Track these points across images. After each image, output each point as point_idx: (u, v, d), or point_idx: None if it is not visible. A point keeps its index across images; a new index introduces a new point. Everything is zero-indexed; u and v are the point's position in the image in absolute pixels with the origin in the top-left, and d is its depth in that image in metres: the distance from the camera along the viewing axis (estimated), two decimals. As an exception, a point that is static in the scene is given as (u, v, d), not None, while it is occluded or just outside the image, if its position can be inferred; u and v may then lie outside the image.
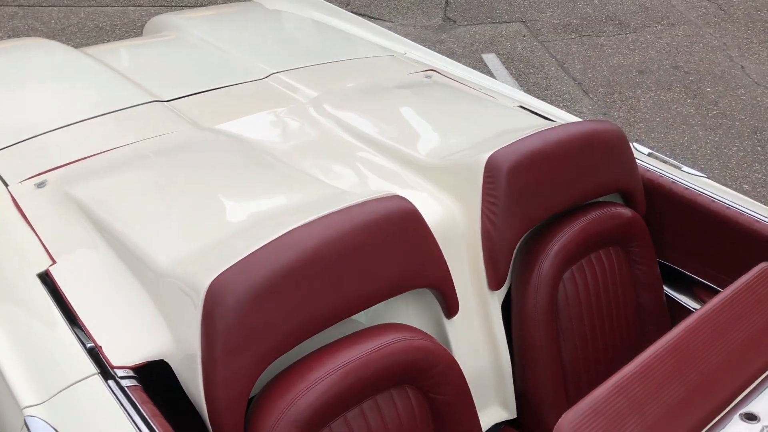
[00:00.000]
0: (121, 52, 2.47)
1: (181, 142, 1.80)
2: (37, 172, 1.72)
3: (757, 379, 0.93)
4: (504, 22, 5.53)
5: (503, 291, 1.67)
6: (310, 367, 1.24)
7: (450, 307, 1.51)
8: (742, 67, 4.93)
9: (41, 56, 2.32)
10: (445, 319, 1.54)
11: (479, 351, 1.63)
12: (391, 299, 1.49)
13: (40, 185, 1.67)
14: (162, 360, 1.29)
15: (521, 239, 1.69)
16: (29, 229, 1.55)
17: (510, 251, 1.60)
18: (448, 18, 5.58)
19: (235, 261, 1.23)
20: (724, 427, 0.85)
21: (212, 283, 1.20)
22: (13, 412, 1.21)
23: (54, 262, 1.45)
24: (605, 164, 1.76)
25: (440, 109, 2.03)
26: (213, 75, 2.25)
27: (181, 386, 1.35)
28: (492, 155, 1.60)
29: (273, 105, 2.06)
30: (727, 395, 0.91)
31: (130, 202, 1.55)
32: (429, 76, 2.33)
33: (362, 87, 2.17)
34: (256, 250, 1.25)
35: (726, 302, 1.01)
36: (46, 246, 1.50)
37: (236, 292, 1.19)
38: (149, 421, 1.14)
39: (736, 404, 0.90)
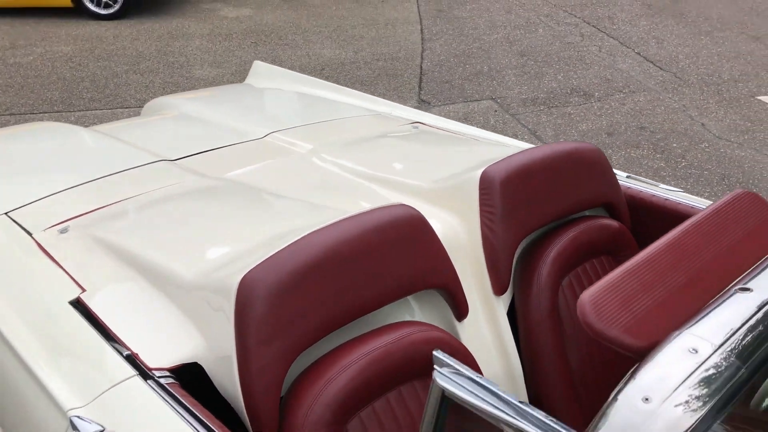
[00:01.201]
0: (126, 127, 2.62)
1: (193, 187, 1.91)
2: (59, 221, 1.82)
3: (751, 266, 1.03)
4: (475, 100, 5.82)
5: (507, 298, 1.76)
6: (338, 357, 1.32)
7: (459, 308, 1.60)
8: (703, 124, 5.22)
9: (53, 133, 2.46)
10: (456, 323, 1.63)
11: (491, 356, 1.70)
12: (402, 304, 1.58)
13: (63, 231, 1.76)
14: (195, 363, 1.35)
15: (520, 248, 1.81)
16: (57, 266, 1.63)
17: (510, 255, 1.71)
18: (423, 100, 5.87)
19: (262, 260, 1.33)
20: (723, 301, 0.95)
21: (243, 279, 1.29)
22: (56, 418, 1.26)
23: (84, 290, 1.53)
24: (589, 179, 1.90)
25: (430, 147, 2.19)
26: (214, 138, 2.40)
27: (209, 393, 1.41)
28: (485, 170, 1.74)
29: (274, 157, 2.20)
30: (725, 281, 1.00)
31: (151, 233, 1.65)
32: (416, 127, 2.50)
33: (356, 137, 2.33)
34: (280, 250, 1.35)
35: (709, 216, 1.12)
36: (75, 278, 1.58)
37: (266, 284, 1.28)
38: (192, 410, 1.20)
39: (733, 285, 0.99)
